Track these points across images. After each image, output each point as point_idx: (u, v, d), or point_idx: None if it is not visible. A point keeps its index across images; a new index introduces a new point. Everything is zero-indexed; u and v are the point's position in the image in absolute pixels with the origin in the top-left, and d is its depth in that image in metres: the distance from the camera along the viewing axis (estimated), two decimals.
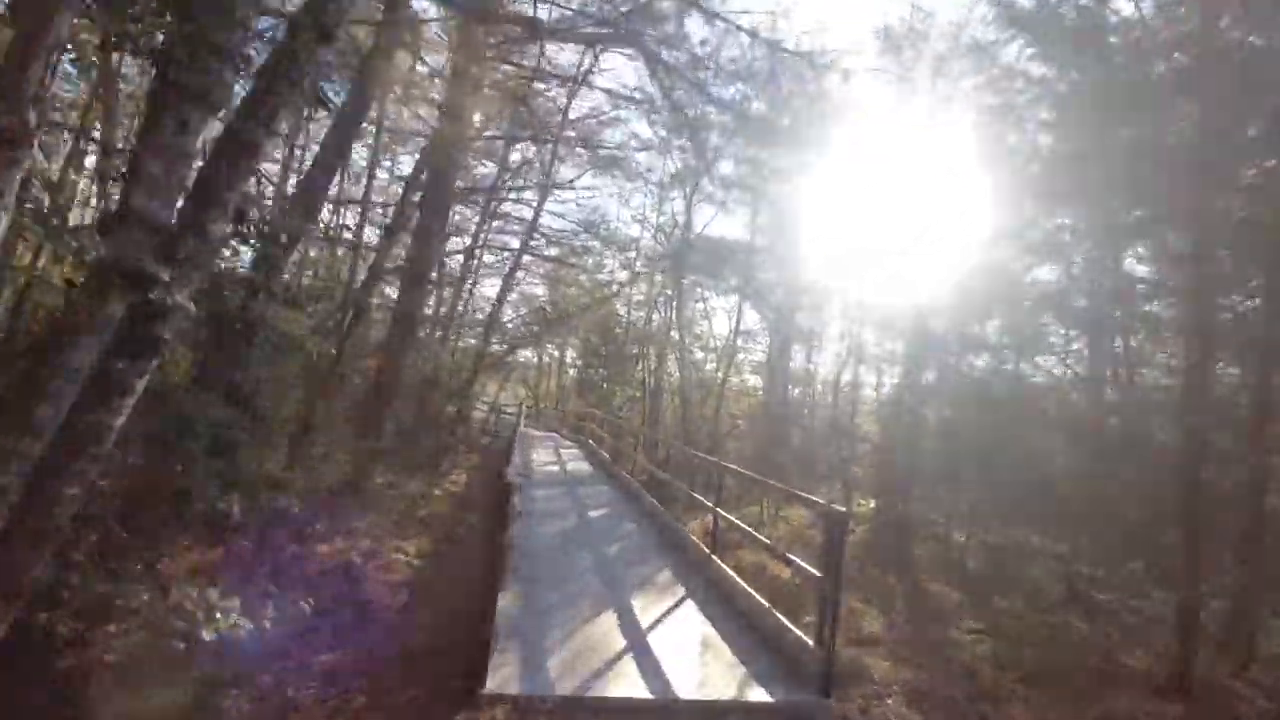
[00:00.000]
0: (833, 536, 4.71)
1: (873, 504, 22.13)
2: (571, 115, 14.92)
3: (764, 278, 18.85)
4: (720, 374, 27.67)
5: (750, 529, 6.59)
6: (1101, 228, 17.11)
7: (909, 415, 22.77)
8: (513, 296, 28.75)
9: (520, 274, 26.65)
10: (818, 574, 4.77)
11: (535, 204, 14.10)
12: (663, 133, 16.25)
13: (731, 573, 6.47)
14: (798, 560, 5.29)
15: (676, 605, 6.01)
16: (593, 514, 10.12)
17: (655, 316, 24.08)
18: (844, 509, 4.65)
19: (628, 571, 7.02)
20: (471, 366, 14.70)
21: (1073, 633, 9.52)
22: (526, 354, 36.35)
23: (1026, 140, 19.23)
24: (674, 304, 18.35)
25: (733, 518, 7.00)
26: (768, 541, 6.20)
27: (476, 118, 10.03)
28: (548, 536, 8.25)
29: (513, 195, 15.86)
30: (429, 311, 18.40)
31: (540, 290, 33.41)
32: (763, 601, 5.58)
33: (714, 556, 7.07)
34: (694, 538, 8.10)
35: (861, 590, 11.43)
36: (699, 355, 37.11)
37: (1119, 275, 18.68)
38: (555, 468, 15.10)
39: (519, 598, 5.67)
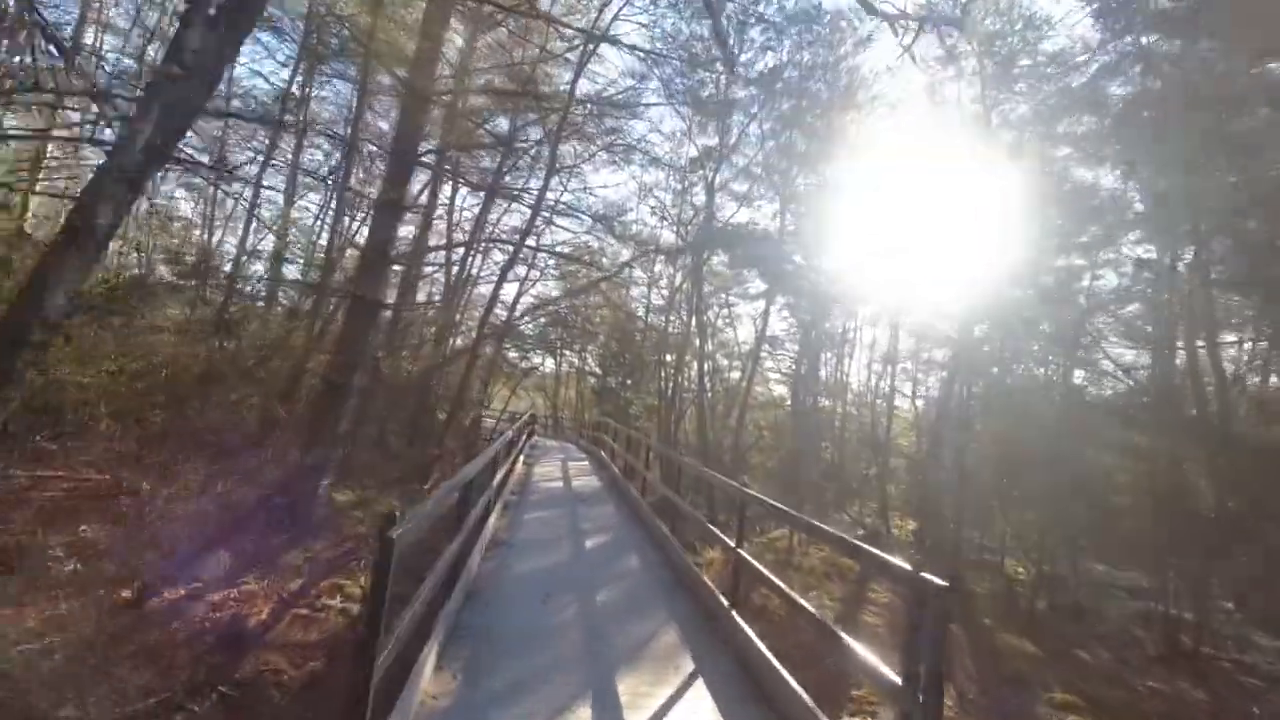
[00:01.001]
0: (924, 623, 2.97)
1: (911, 526, 20.23)
2: (582, 89, 13.47)
3: (793, 269, 17.10)
4: (744, 382, 26.00)
5: (784, 587, 4.83)
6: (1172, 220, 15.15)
7: (953, 429, 20.81)
8: (527, 300, 27.53)
9: (532, 273, 25.27)
10: (896, 680, 3.05)
11: (540, 189, 12.65)
12: (684, 111, 14.69)
13: (758, 642, 4.76)
14: (872, 661, 3.46)
15: (682, 690, 4.33)
16: (590, 543, 8.47)
17: (675, 320, 22.44)
18: (944, 581, 2.91)
19: (624, 629, 5.36)
20: (468, 371, 13.19)
21: (1195, 709, 7.61)
22: (544, 361, 34.94)
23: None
24: (694, 301, 16.70)
25: (763, 569, 5.26)
26: (813, 611, 4.41)
27: (458, 45, 8.54)
28: (528, 576, 6.62)
29: (517, 184, 14.38)
30: (422, 310, 16.97)
31: (556, 292, 32.14)
32: (804, 697, 3.87)
33: (734, 612, 5.38)
34: (709, 579, 6.41)
35: (869, 611, 9.67)
36: (723, 362, 35.46)
37: (1180, 275, 16.70)
38: (558, 484, 13.49)
39: (453, 679, 4.05)
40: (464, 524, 5.52)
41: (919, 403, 23.87)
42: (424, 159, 7.89)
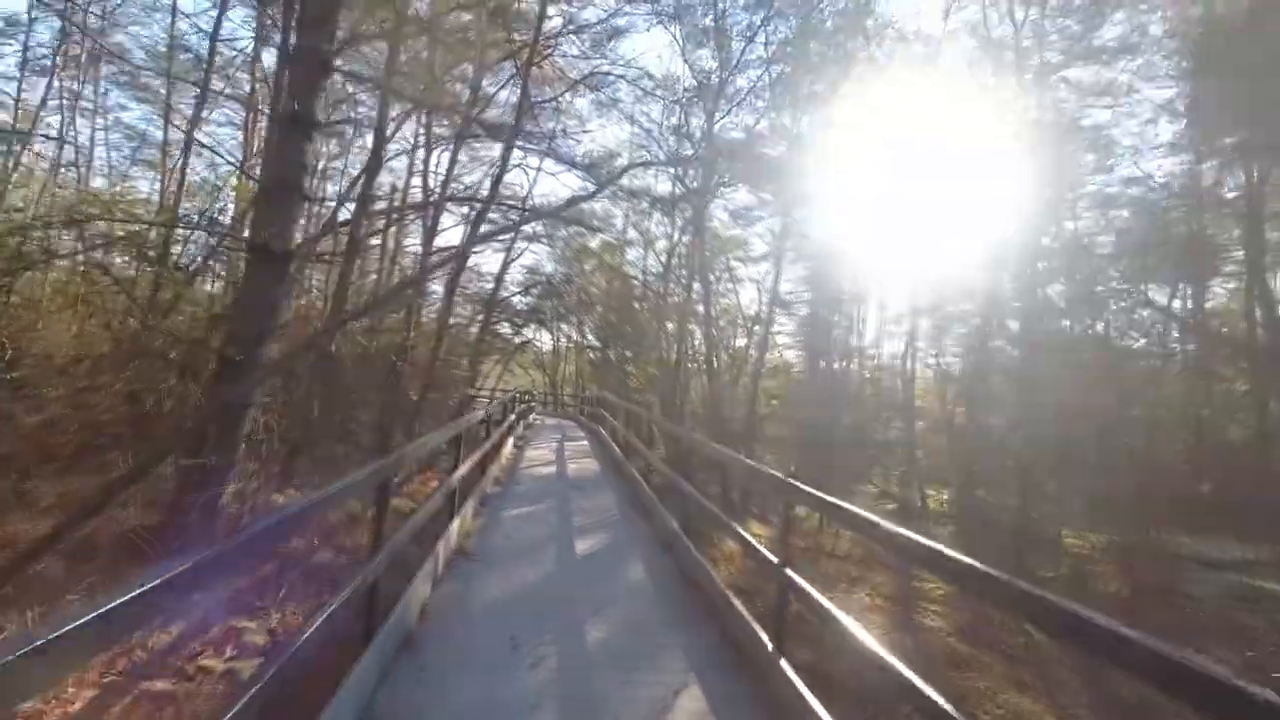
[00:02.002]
0: None
1: (944, 496, 18.61)
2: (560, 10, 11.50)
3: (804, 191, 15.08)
4: (751, 349, 24.21)
5: (881, 652, 3.07)
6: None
7: (980, 388, 19.09)
8: (519, 275, 25.60)
9: (519, 242, 23.38)
10: None
11: (510, 128, 10.74)
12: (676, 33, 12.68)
13: None
14: None
15: None
16: (583, 546, 6.79)
17: (675, 285, 20.58)
18: None
19: (625, 692, 3.69)
20: (438, 342, 11.43)
21: None
22: (537, 335, 33.17)
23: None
24: (695, 259, 14.84)
25: (829, 605, 3.48)
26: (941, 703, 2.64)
27: None
28: (495, 607, 4.95)
29: (482, 128, 12.45)
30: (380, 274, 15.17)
31: (549, 265, 30.24)
32: None
33: (783, 662, 3.71)
34: (739, 604, 4.72)
35: (980, 641, 8.03)
36: (727, 329, 33.65)
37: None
38: (550, 468, 11.82)
39: None
40: (382, 544, 3.82)
41: (944, 360, 22.07)
42: (339, 64, 6.04)
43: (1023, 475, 14.49)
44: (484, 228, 16.96)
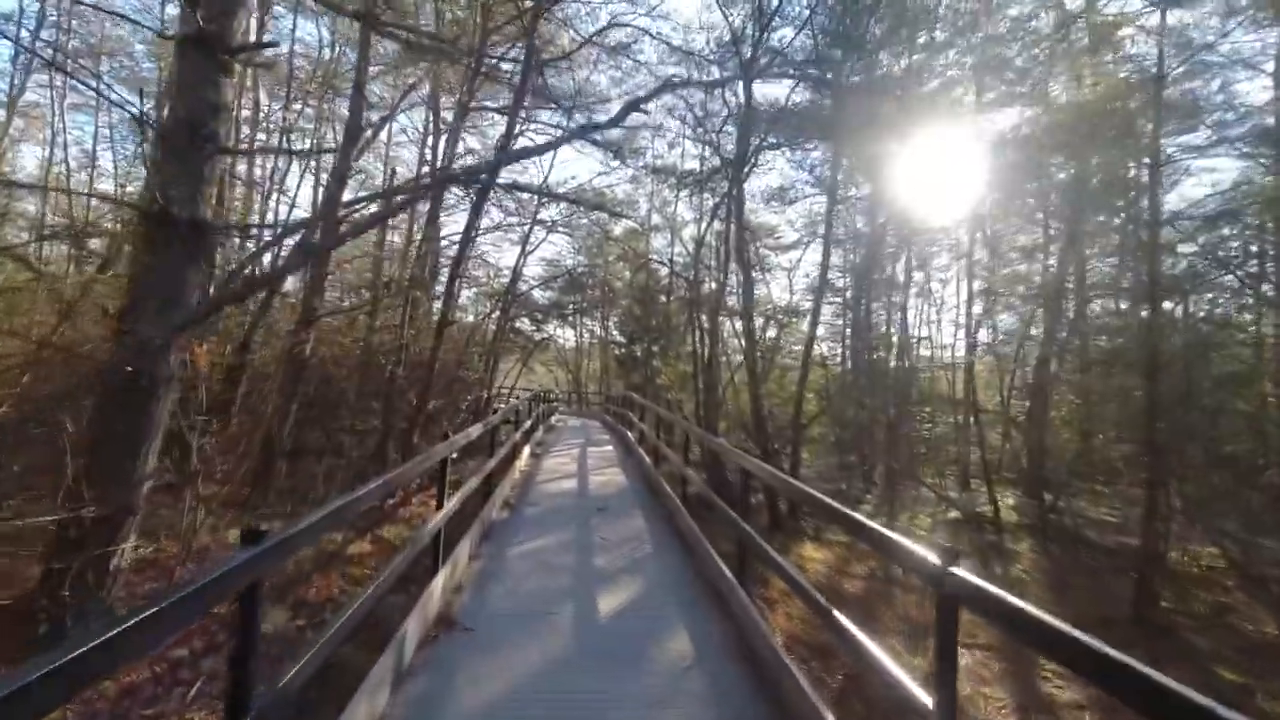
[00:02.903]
0: None
1: (1009, 500, 16.72)
2: None
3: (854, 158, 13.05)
4: (786, 343, 22.44)
5: None
6: None
7: (1045, 380, 17.11)
8: (537, 270, 24.00)
9: (537, 230, 21.92)
10: None
11: (516, 88, 9.19)
12: None
13: None
14: None
15: None
16: (610, 603, 5.20)
17: (706, 272, 18.87)
18: None
19: None
20: (437, 339, 9.88)
21: None
22: (557, 330, 31.71)
23: None
24: (732, 237, 13.10)
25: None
26: None
27: None
28: (484, 714, 3.41)
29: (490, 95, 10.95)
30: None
31: (569, 260, 28.75)
32: None
33: None
34: (817, 696, 3.10)
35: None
36: (759, 321, 31.86)
37: None
38: (571, 483, 10.28)
39: None
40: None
41: (1000, 353, 20.08)
42: None
43: (1150, 478, 12.62)
44: (497, 215, 15.47)
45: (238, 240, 9.66)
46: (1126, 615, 8.49)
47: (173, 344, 4.08)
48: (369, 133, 11.13)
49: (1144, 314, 11.26)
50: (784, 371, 22.59)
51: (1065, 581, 9.78)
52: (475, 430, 6.23)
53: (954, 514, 14.68)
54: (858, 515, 3.29)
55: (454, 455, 5.24)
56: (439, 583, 4.75)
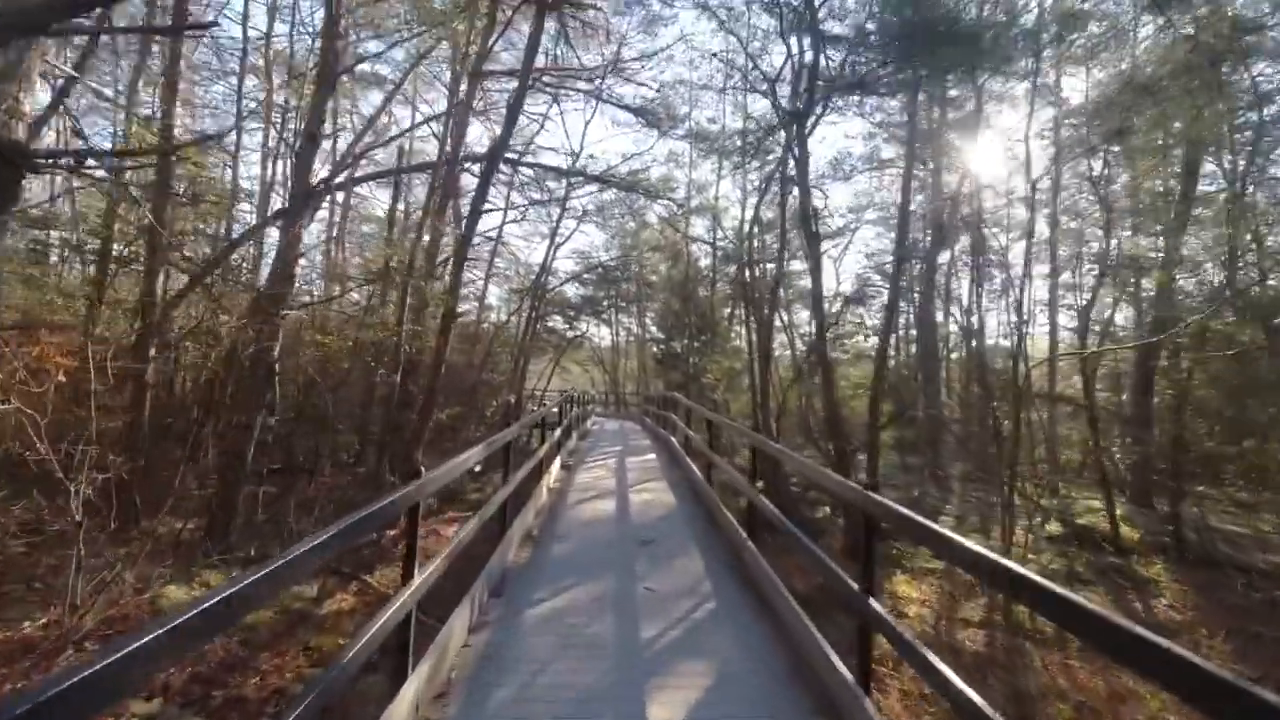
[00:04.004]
0: None
1: (1119, 511, 14.49)
2: None
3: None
4: (846, 336, 20.40)
5: None
6: None
7: (1147, 370, 14.80)
8: (562, 259, 22.38)
9: (566, 221, 20.36)
10: None
11: (529, 38, 7.60)
12: None
13: None
14: None
15: None
16: (660, 714, 3.49)
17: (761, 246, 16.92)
18: None
19: None
20: (443, 333, 8.30)
21: None
22: (590, 328, 30.13)
23: None
24: (790, 200, 11.24)
25: None
26: None
27: None
28: None
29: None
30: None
31: (603, 254, 27.15)
32: None
33: None
34: None
35: None
36: (802, 314, 29.76)
37: None
38: (608, 505, 8.61)
39: None
40: None
41: (1088, 340, 17.76)
42: None
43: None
44: (520, 201, 13.97)
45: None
46: None
47: None
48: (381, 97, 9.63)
49: None
50: (834, 366, 20.61)
51: (1233, 622, 7.73)
52: (472, 455, 4.58)
53: (1051, 526, 12.56)
54: (999, 558, 1.58)
55: (430, 501, 3.60)
56: (407, 697, 3.12)
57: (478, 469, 10.93)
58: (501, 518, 6.07)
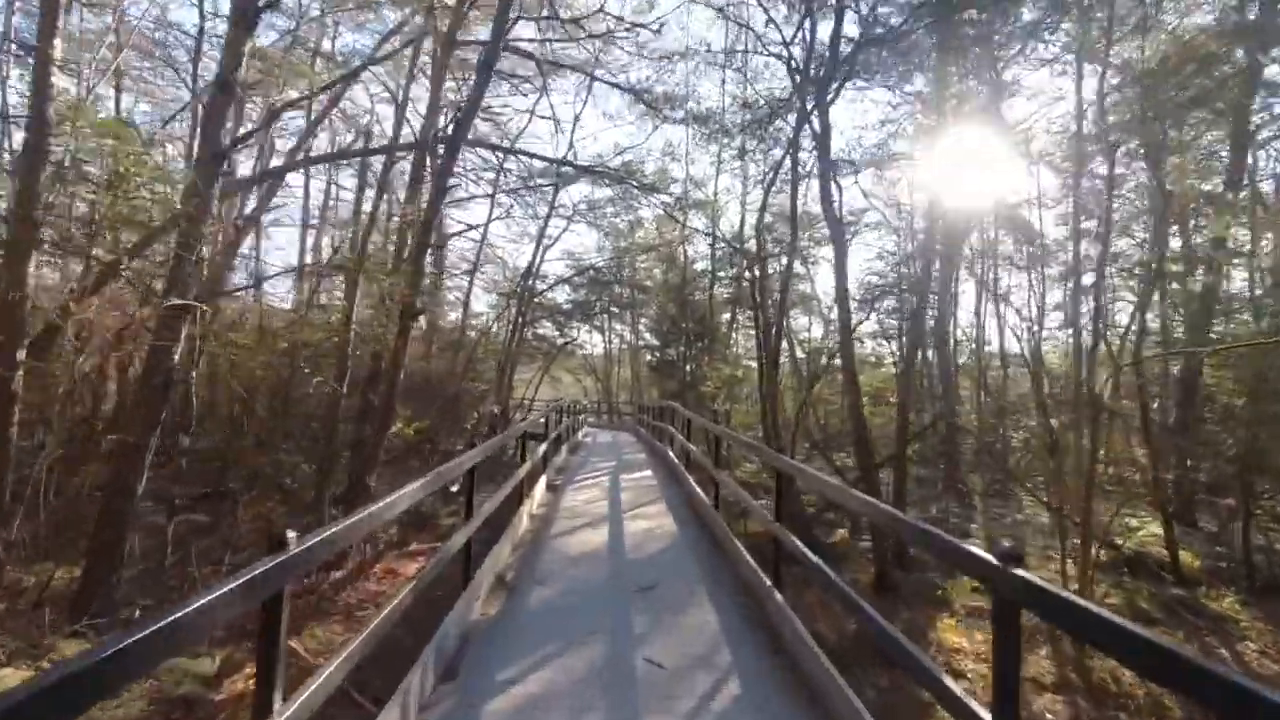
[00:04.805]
0: None
1: (1155, 529, 13.30)
2: None
3: None
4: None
5: None
6: None
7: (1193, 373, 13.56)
8: (556, 267, 21.09)
9: (554, 220, 19.21)
10: None
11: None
12: None
13: None
14: None
15: None
16: None
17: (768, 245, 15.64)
18: None
19: None
20: (401, 335, 7.03)
21: None
22: (581, 334, 28.83)
23: None
24: (799, 169, 9.93)
25: None
26: None
27: None
28: None
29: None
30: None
31: (595, 258, 25.96)
32: None
33: None
34: None
35: None
36: (803, 320, 28.59)
37: None
38: (600, 535, 7.33)
39: None
40: None
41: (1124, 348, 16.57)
42: None
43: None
44: (506, 199, 12.80)
45: None
46: None
47: None
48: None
49: None
50: (837, 373, 19.38)
51: None
52: (405, 494, 3.31)
53: (1102, 553, 11.32)
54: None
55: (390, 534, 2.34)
56: None
57: (454, 489, 9.66)
58: (465, 561, 4.81)
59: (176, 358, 5.12)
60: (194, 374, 7.10)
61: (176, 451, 7.30)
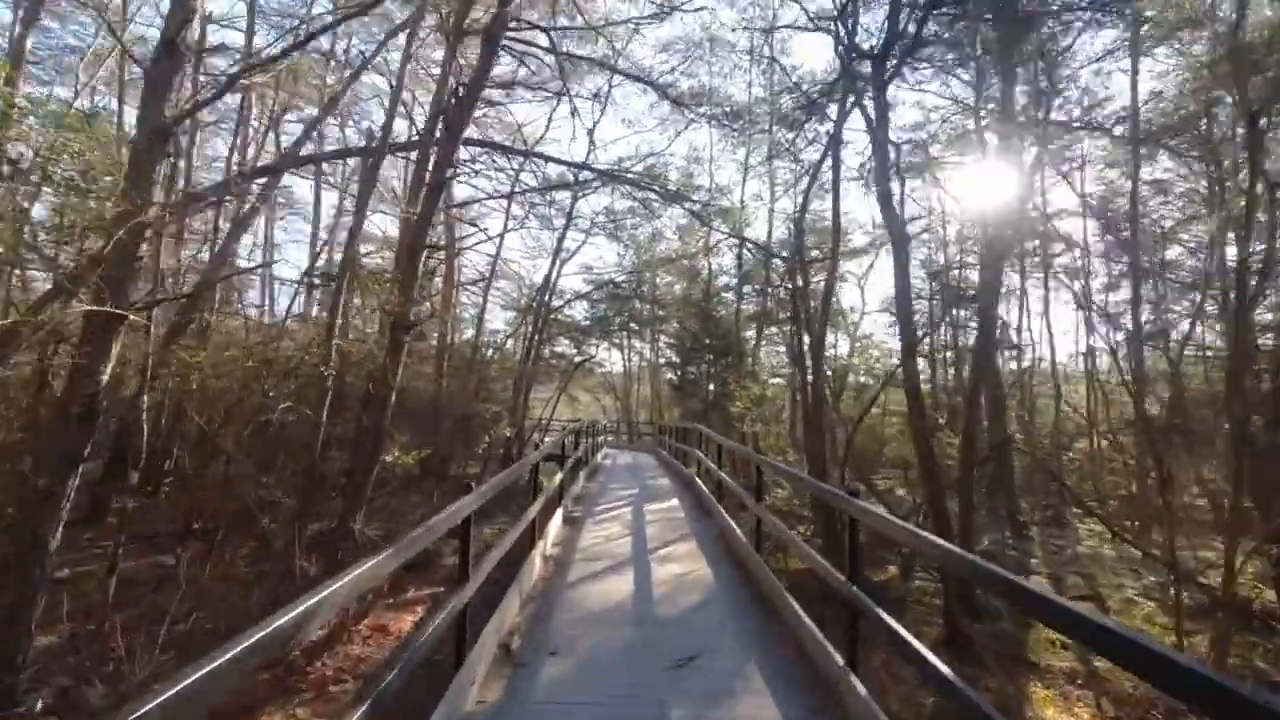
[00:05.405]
0: None
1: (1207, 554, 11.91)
2: None
3: None
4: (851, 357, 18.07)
5: None
6: None
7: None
8: (574, 283, 20.20)
9: (572, 233, 18.40)
10: None
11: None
12: None
13: None
14: None
15: None
16: None
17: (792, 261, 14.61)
18: None
19: None
20: (392, 352, 6.06)
21: None
22: (600, 350, 27.87)
23: None
24: (841, 162, 8.88)
25: None
26: None
27: None
28: None
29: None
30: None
31: (615, 275, 25.08)
32: None
33: None
34: None
35: None
36: (829, 338, 27.46)
37: None
38: (624, 581, 6.29)
39: None
40: None
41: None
42: None
43: None
44: (520, 211, 11.99)
45: None
46: None
47: None
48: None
49: None
50: (859, 391, 18.19)
51: None
52: (367, 565, 2.35)
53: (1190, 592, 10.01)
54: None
55: None
56: None
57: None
58: (458, 637, 3.81)
59: (105, 378, 4.22)
60: (143, 399, 6.22)
61: (124, 489, 6.44)
